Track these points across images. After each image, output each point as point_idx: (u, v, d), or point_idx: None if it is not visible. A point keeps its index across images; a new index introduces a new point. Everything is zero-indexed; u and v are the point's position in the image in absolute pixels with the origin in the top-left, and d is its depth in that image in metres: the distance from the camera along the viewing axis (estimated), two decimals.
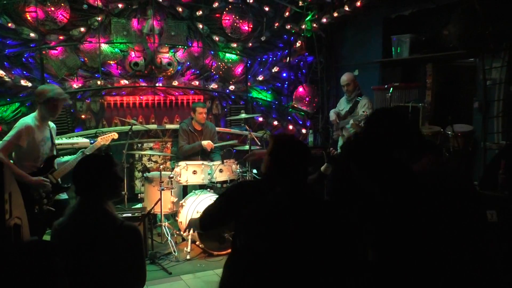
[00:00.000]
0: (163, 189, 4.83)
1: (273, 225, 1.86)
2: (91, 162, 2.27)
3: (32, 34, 5.55)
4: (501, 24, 4.27)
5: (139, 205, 5.40)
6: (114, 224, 2.13)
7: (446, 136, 4.64)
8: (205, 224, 2.36)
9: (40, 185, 3.59)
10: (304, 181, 1.99)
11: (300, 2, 6.72)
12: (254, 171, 5.20)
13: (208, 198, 4.78)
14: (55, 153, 3.86)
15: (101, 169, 2.18)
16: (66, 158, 3.92)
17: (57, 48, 5.72)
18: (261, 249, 1.84)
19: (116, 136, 4.41)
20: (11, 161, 3.61)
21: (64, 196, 3.85)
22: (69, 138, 5.22)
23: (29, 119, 3.61)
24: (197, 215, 4.58)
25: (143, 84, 6.29)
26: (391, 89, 5.20)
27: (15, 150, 3.61)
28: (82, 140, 4.97)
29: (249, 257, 1.86)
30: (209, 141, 5.50)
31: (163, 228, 4.99)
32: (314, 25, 6.81)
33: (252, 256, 1.85)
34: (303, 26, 6.84)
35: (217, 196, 2.22)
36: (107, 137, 4.28)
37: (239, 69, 6.85)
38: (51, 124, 3.83)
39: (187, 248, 4.65)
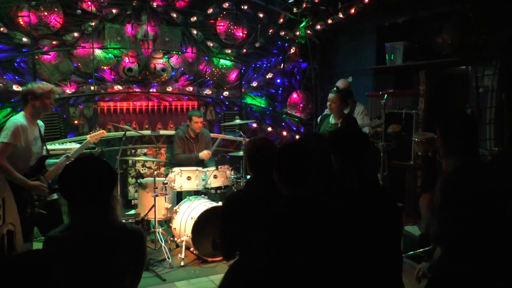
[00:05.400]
0: (157, 195, 4.79)
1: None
2: (101, 167, 2.00)
3: (24, 39, 5.50)
4: (494, 32, 4.32)
5: (132, 211, 5.35)
6: (125, 230, 2.05)
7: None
8: (227, 255, 2.45)
9: (38, 190, 3.50)
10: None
11: (295, 9, 6.75)
12: None
13: (202, 204, 4.75)
14: (45, 153, 3.72)
15: (113, 174, 2.01)
16: (53, 160, 3.79)
17: (50, 53, 5.68)
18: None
19: (104, 133, 4.25)
20: None
21: (54, 196, 3.70)
22: (62, 143, 5.18)
23: (20, 118, 3.48)
24: (191, 222, 4.57)
25: (137, 90, 6.26)
26: (385, 96, 5.23)
27: None
28: (75, 146, 4.89)
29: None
30: (206, 151, 5.50)
31: (157, 234, 4.94)
32: (308, 31, 6.84)
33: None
34: (297, 33, 6.87)
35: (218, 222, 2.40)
36: (96, 134, 4.07)
37: (233, 75, 6.84)
38: (40, 122, 3.69)
39: (181, 255, 4.62)
